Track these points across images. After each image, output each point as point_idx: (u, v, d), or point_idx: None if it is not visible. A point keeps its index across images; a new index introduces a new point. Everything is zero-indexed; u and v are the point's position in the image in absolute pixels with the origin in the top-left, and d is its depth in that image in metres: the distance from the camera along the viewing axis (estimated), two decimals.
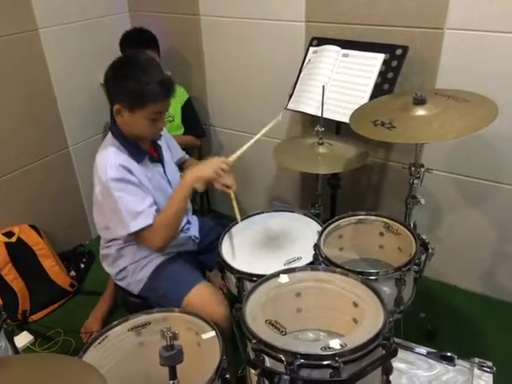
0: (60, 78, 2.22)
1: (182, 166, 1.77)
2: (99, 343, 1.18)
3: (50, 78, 2.18)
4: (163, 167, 1.55)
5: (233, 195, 1.49)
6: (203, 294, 1.45)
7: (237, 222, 1.56)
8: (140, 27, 2.21)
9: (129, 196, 1.37)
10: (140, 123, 1.39)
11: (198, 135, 2.34)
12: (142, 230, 1.39)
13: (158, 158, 1.54)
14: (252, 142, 1.50)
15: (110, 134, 1.46)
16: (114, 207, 1.37)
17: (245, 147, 1.50)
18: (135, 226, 1.37)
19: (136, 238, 1.44)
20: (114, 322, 1.23)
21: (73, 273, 2.31)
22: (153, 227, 1.39)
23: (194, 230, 1.66)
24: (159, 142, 1.56)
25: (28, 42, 2.06)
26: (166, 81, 1.38)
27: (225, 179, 1.43)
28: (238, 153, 1.49)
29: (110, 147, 1.42)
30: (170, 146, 1.67)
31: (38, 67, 2.13)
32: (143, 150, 1.48)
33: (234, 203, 1.50)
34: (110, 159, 1.38)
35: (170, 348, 0.87)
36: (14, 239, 2.07)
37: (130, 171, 1.39)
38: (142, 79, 1.34)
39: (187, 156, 1.81)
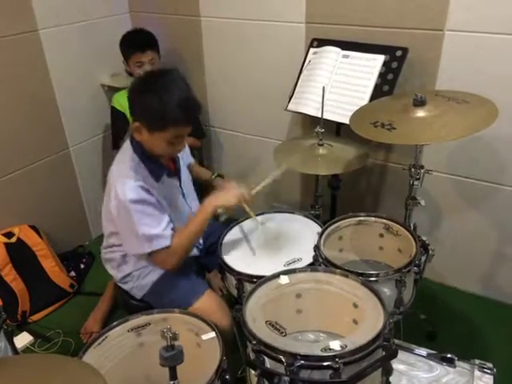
0: (60, 79, 2.22)
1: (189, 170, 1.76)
2: (99, 344, 1.18)
3: (51, 79, 2.18)
4: (179, 180, 1.54)
5: (247, 208, 1.51)
6: (208, 305, 1.43)
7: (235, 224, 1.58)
8: (140, 28, 2.21)
9: (146, 217, 1.35)
10: (158, 144, 1.35)
11: (199, 136, 2.34)
12: (159, 251, 1.38)
13: (175, 172, 1.52)
14: (276, 175, 1.53)
15: (129, 146, 1.41)
16: (131, 227, 1.34)
17: (269, 180, 1.52)
18: (150, 247, 1.37)
19: (149, 258, 1.43)
20: (114, 323, 1.23)
21: (73, 273, 2.30)
22: (169, 250, 1.38)
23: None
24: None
25: (28, 43, 2.06)
26: (189, 106, 1.33)
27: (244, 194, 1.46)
28: (262, 185, 1.50)
29: (129, 163, 1.37)
30: (184, 153, 1.64)
31: (39, 68, 2.13)
32: (162, 165, 1.45)
33: (248, 209, 1.52)
34: (129, 180, 1.33)
35: (171, 348, 0.87)
36: (13, 240, 2.06)
37: (148, 192, 1.36)
38: (164, 101, 1.27)
39: (193, 160, 1.81)
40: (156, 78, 1.34)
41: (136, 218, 1.33)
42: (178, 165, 1.54)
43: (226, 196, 1.43)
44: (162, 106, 1.28)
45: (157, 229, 1.36)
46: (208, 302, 1.45)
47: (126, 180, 1.34)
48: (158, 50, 2.17)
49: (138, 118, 1.34)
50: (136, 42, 2.14)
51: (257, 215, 1.70)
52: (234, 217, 1.58)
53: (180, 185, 1.54)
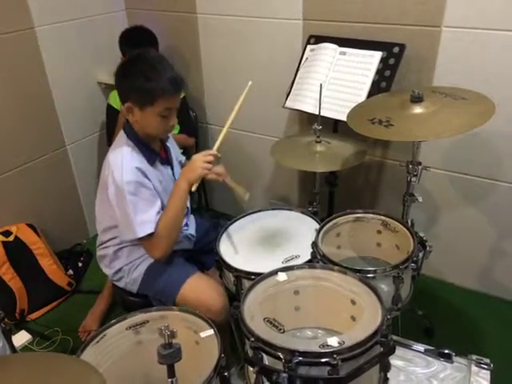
0: (57, 76, 2.21)
1: None
2: (97, 342, 1.18)
3: (47, 76, 2.17)
4: (172, 169, 1.55)
5: (229, 182, 1.51)
6: (198, 285, 1.45)
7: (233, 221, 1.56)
8: (140, 25, 2.19)
9: (140, 201, 1.36)
10: (151, 121, 1.39)
11: (191, 134, 2.33)
12: (147, 236, 1.39)
13: (167, 161, 1.54)
14: (229, 122, 1.50)
15: (123, 134, 1.45)
16: (126, 211, 1.36)
17: (224, 130, 1.49)
18: (141, 232, 1.37)
19: (142, 245, 1.44)
20: (112, 321, 1.22)
21: (70, 272, 2.30)
22: (154, 236, 1.39)
23: (191, 229, 1.66)
24: (167, 144, 1.56)
25: (24, 41, 2.05)
26: (174, 77, 1.38)
27: (214, 169, 1.44)
28: (219, 140, 1.48)
29: (124, 147, 1.40)
30: (173, 146, 1.65)
31: (35, 65, 2.12)
32: (155, 151, 1.47)
33: (234, 186, 1.52)
34: (126, 161, 1.37)
35: (168, 346, 0.87)
36: (11, 238, 2.06)
37: (145, 174, 1.39)
38: (151, 76, 1.33)
39: (184, 158, 1.80)
40: (139, 60, 1.39)
41: (129, 200, 1.35)
42: (170, 155, 1.56)
43: (192, 168, 1.42)
44: (151, 81, 1.33)
45: (149, 213, 1.38)
46: (197, 283, 1.46)
47: (123, 162, 1.37)
48: (157, 47, 2.17)
49: (127, 98, 1.38)
50: (136, 39, 2.12)
51: (253, 212, 1.71)
52: (231, 215, 1.58)
53: (173, 174, 1.55)
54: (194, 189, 1.42)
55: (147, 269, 1.51)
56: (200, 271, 1.65)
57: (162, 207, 1.44)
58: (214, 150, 1.45)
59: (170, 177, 1.54)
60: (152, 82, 1.33)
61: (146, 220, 1.38)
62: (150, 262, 1.51)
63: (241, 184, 1.55)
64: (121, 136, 1.46)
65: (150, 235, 1.39)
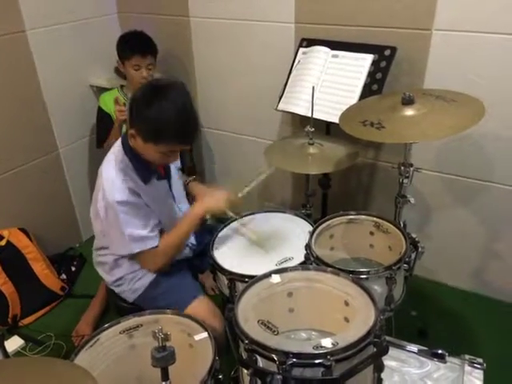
0: (48, 80, 2.20)
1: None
2: (91, 346, 1.18)
3: (39, 80, 2.16)
4: (169, 183, 1.54)
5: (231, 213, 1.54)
6: (200, 310, 1.43)
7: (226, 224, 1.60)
8: (140, 31, 2.17)
9: (133, 219, 1.35)
10: (151, 154, 1.36)
11: None
12: (146, 251, 1.39)
13: (164, 175, 1.52)
14: (263, 177, 1.54)
15: (119, 147, 1.41)
16: (118, 228, 1.35)
17: (255, 183, 1.52)
18: (137, 247, 1.37)
19: (136, 258, 1.44)
20: (106, 325, 1.22)
21: (63, 276, 2.29)
22: (156, 251, 1.39)
23: (191, 238, 1.65)
24: None
25: (16, 44, 2.04)
26: (186, 125, 1.31)
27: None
28: (249, 188, 1.51)
29: (118, 164, 1.37)
30: None
31: (26, 69, 2.11)
32: (152, 169, 1.44)
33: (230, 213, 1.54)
34: (118, 181, 1.34)
35: (162, 349, 0.87)
36: (3, 243, 2.04)
37: (136, 194, 1.37)
38: (162, 117, 1.26)
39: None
40: (158, 91, 1.30)
41: (122, 219, 1.34)
42: (168, 169, 1.54)
43: (215, 200, 1.44)
44: (159, 122, 1.27)
45: (143, 230, 1.37)
46: (199, 309, 1.44)
47: (114, 181, 1.34)
48: (156, 55, 2.16)
49: (134, 125, 1.33)
50: (138, 45, 2.11)
51: (247, 215, 1.71)
52: (222, 218, 1.58)
53: (170, 188, 1.54)
54: (208, 217, 1.45)
55: (151, 282, 1.49)
56: (196, 276, 1.66)
57: (159, 223, 1.43)
58: (240, 196, 1.47)
59: (167, 191, 1.53)
60: (162, 124, 1.27)
61: (141, 237, 1.37)
62: (153, 275, 1.50)
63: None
64: (117, 149, 1.42)
65: (146, 251, 1.38)
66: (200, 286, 1.59)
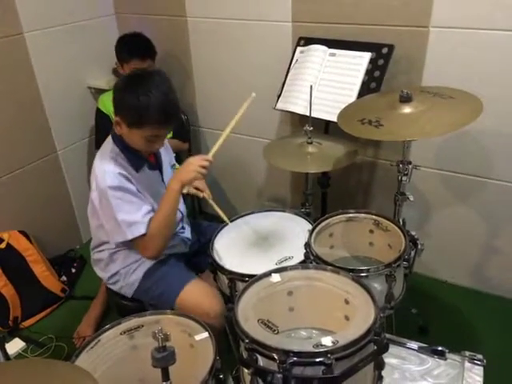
0: (46, 82, 2.20)
1: None
2: (92, 348, 1.17)
3: (37, 82, 2.16)
4: (161, 174, 1.55)
5: (208, 199, 1.52)
6: (196, 291, 1.46)
7: (226, 224, 1.58)
8: (139, 33, 2.17)
9: (126, 204, 1.37)
10: (136, 140, 1.39)
11: (184, 139, 2.33)
12: (138, 238, 1.39)
13: (156, 165, 1.54)
14: (228, 130, 1.47)
15: (110, 139, 1.45)
16: (111, 215, 1.36)
17: (221, 139, 1.46)
18: (132, 233, 1.38)
19: (133, 245, 1.45)
20: (106, 326, 1.22)
21: (64, 278, 2.29)
22: (146, 236, 1.40)
23: (187, 233, 1.66)
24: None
25: (13, 46, 2.04)
26: (167, 108, 1.34)
27: (196, 183, 1.45)
28: (216, 146, 1.46)
29: (109, 154, 1.41)
30: (167, 150, 1.65)
31: (24, 71, 2.11)
32: (143, 157, 1.47)
33: (215, 206, 1.52)
34: (109, 167, 1.37)
35: (162, 349, 0.87)
36: (3, 246, 2.04)
37: (128, 179, 1.39)
38: (144, 100, 1.30)
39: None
40: (139, 78, 1.36)
41: (115, 204, 1.35)
42: (160, 159, 1.56)
43: (185, 170, 1.40)
44: (140, 105, 1.31)
45: (136, 215, 1.38)
46: (196, 289, 1.46)
47: (105, 167, 1.37)
48: (154, 57, 2.16)
49: (118, 112, 1.37)
50: (138, 49, 2.10)
51: (246, 214, 1.71)
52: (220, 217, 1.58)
53: (162, 179, 1.55)
54: (185, 191, 1.42)
55: (145, 273, 1.51)
56: (197, 276, 1.65)
57: (152, 210, 1.44)
58: (210, 156, 1.44)
59: (159, 182, 1.54)
60: (143, 107, 1.30)
61: (134, 221, 1.38)
62: (147, 266, 1.51)
63: (224, 211, 1.54)
64: (108, 141, 1.46)
65: (141, 236, 1.39)
66: (193, 273, 1.58)
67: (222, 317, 1.41)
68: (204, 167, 1.39)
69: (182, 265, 1.59)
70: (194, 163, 1.40)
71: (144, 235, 1.39)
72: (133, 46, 2.12)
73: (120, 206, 1.36)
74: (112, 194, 1.35)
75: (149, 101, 1.31)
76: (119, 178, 1.37)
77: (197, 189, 1.51)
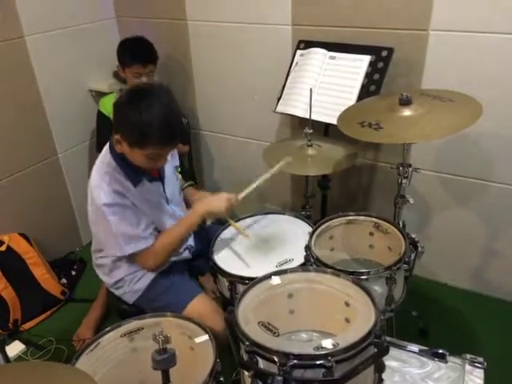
0: (47, 85, 2.20)
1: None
2: (91, 350, 1.17)
3: (38, 85, 2.17)
4: (163, 185, 1.52)
5: (230, 220, 1.56)
6: (201, 309, 1.43)
7: (227, 226, 1.62)
8: (141, 37, 2.16)
9: (122, 220, 1.36)
10: (138, 158, 1.35)
11: (185, 142, 2.34)
12: (138, 252, 1.39)
13: (157, 177, 1.50)
14: (262, 180, 1.51)
15: (108, 151, 1.40)
16: (108, 230, 1.36)
17: (254, 185, 1.51)
18: (131, 248, 1.38)
19: (131, 258, 1.44)
20: (107, 329, 1.22)
21: (64, 280, 2.29)
22: (152, 249, 1.40)
23: (190, 240, 1.64)
24: None
25: (14, 50, 2.05)
26: (170, 127, 1.30)
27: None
28: (248, 190, 1.50)
29: (105, 169, 1.37)
30: (172, 154, 1.59)
31: (25, 74, 2.12)
32: (141, 171, 1.42)
33: (235, 225, 1.56)
34: (105, 184, 1.34)
35: (163, 351, 0.87)
36: (3, 248, 2.04)
37: (124, 196, 1.37)
38: (145, 120, 1.25)
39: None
40: (141, 95, 1.30)
41: (112, 221, 1.35)
42: (162, 170, 1.52)
43: (216, 202, 1.43)
44: (143, 125, 1.26)
45: (136, 230, 1.38)
46: (201, 306, 1.45)
47: (100, 185, 1.35)
48: (156, 62, 2.16)
49: (119, 131, 1.32)
50: (139, 54, 2.09)
51: (246, 217, 1.71)
52: (222, 219, 1.59)
53: (163, 190, 1.52)
54: (208, 222, 1.45)
55: (151, 283, 1.50)
56: (196, 278, 1.66)
57: (151, 224, 1.43)
58: (239, 198, 1.46)
59: (160, 193, 1.51)
60: (145, 127, 1.25)
61: (133, 236, 1.38)
62: (153, 275, 1.50)
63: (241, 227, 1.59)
64: (105, 151, 1.42)
65: (140, 251, 1.39)
66: (199, 286, 1.59)
67: (224, 332, 1.39)
68: (232, 206, 1.42)
69: (187, 276, 1.57)
70: (226, 199, 1.43)
71: (148, 248, 1.39)
72: (135, 50, 2.11)
73: (117, 223, 1.35)
74: (108, 211, 1.34)
75: (151, 120, 1.26)
76: (113, 195, 1.34)
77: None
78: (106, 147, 1.43)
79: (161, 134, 1.28)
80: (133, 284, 1.50)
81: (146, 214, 1.43)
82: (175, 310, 1.41)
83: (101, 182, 1.36)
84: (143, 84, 1.44)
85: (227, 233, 1.64)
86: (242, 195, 1.48)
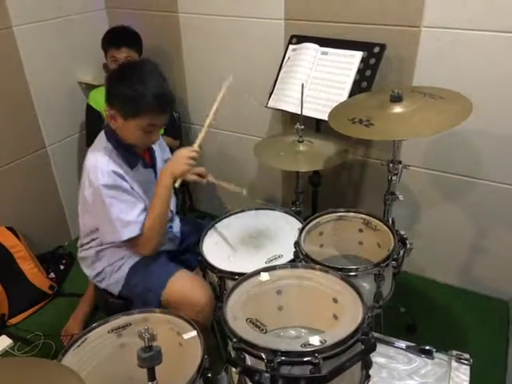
0: (36, 77, 2.17)
1: None
2: (79, 346, 1.16)
3: (26, 77, 2.13)
4: (155, 173, 1.53)
5: (215, 181, 1.50)
6: (183, 281, 1.43)
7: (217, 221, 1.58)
8: (124, 25, 2.16)
9: (120, 203, 1.35)
10: (132, 133, 1.37)
11: (176, 137, 2.32)
12: (132, 238, 1.38)
13: (150, 164, 1.52)
14: (210, 118, 1.49)
15: (103, 135, 1.43)
16: (105, 213, 1.35)
17: (205, 127, 1.48)
18: (126, 234, 1.37)
19: (127, 244, 1.44)
20: (94, 324, 1.21)
21: (52, 275, 2.27)
22: (142, 236, 1.39)
23: (175, 230, 1.65)
24: (153, 146, 1.54)
25: (2, 40, 2.01)
26: (163, 95, 1.34)
27: (195, 169, 1.44)
28: (201, 136, 1.48)
29: (102, 151, 1.38)
30: (161, 147, 1.64)
31: (13, 65, 2.08)
32: (137, 154, 1.45)
33: (224, 184, 1.50)
34: (103, 164, 1.35)
35: (148, 349, 0.86)
36: None
37: (122, 177, 1.37)
38: (139, 89, 1.30)
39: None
40: (132, 69, 1.37)
41: (109, 203, 1.34)
42: (154, 158, 1.54)
43: (176, 164, 1.40)
44: (136, 93, 1.30)
45: (130, 215, 1.37)
46: (180, 281, 1.44)
47: (98, 166, 1.35)
48: (136, 48, 2.13)
49: (113, 105, 1.35)
50: (113, 38, 2.11)
51: (236, 212, 1.71)
52: (216, 215, 1.57)
53: (155, 177, 1.53)
54: (177, 185, 1.41)
55: (130, 271, 1.50)
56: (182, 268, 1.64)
57: (145, 209, 1.43)
58: (196, 147, 1.44)
59: (152, 180, 1.52)
60: (139, 96, 1.30)
61: (129, 222, 1.37)
62: (132, 262, 1.50)
63: (231, 182, 1.52)
64: (100, 137, 1.44)
65: (135, 237, 1.38)
66: (177, 265, 1.55)
67: (210, 305, 1.40)
68: (193, 158, 1.39)
69: (165, 258, 1.56)
70: (183, 156, 1.40)
71: (140, 235, 1.38)
72: (110, 35, 2.13)
73: (114, 206, 1.34)
74: (105, 192, 1.33)
75: (144, 88, 1.31)
76: (113, 176, 1.35)
77: (199, 175, 1.48)
78: (101, 134, 1.44)
79: (155, 101, 1.32)
80: (113, 275, 1.50)
81: (141, 197, 1.43)
82: (157, 289, 1.42)
83: (98, 163, 1.35)
84: (133, 60, 1.45)
85: (217, 228, 1.63)
86: (197, 143, 1.45)
